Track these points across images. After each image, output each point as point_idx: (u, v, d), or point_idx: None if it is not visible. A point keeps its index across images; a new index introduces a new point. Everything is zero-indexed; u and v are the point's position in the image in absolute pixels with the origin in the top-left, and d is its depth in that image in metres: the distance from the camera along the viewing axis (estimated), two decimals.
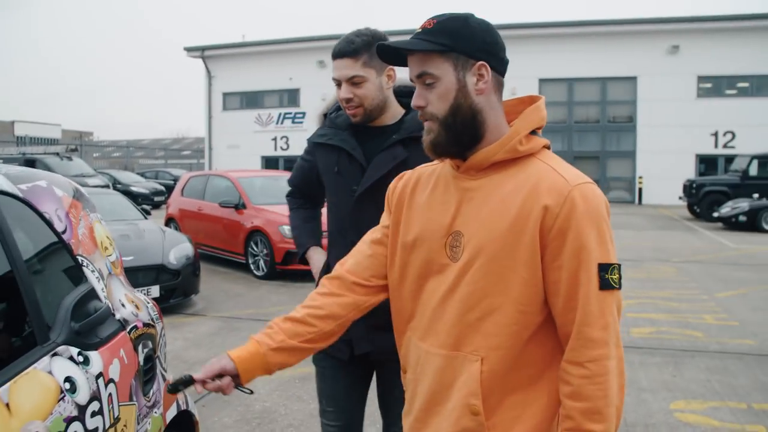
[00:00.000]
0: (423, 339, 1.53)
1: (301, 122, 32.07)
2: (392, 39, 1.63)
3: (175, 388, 1.52)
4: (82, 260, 2.08)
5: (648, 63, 27.48)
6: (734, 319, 6.97)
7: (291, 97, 32.98)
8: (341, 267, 1.67)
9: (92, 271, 2.12)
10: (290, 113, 32.73)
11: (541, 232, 1.38)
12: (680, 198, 21.10)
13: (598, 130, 29.42)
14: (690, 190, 19.84)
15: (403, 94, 2.29)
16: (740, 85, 27.54)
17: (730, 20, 27.13)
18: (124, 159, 41.30)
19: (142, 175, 29.25)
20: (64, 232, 2.03)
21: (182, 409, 2.59)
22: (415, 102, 1.49)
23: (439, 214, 1.51)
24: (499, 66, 1.48)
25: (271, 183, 10.92)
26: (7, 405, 1.51)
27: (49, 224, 1.97)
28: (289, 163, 32.07)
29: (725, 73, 27.13)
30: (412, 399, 1.60)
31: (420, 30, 1.46)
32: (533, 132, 1.48)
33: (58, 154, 18.06)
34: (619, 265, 1.40)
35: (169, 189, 23.50)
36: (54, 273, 2.01)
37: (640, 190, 27.87)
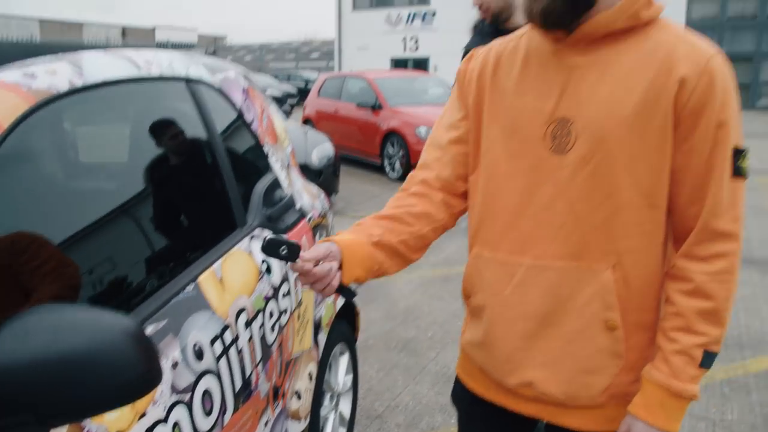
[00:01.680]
0: (518, 251, 1.30)
1: (431, 22, 31.34)
2: None
3: (271, 247, 1.16)
4: (267, 150, 2.16)
5: None
6: None
7: None
8: (421, 173, 1.43)
9: (276, 161, 2.20)
10: (420, 12, 32.02)
11: (675, 110, 1.19)
12: None
13: (754, 28, 26.72)
14: None
15: None
16: None
17: None
18: (256, 62, 42.37)
19: (275, 77, 29.92)
20: (251, 122, 2.11)
21: (348, 299, 2.71)
22: None
23: (537, 99, 1.28)
24: None
25: (407, 84, 10.85)
26: (221, 280, 1.62)
27: (240, 114, 2.05)
28: (417, 64, 31.69)
29: None
30: (498, 323, 1.35)
31: None
32: None
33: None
34: (747, 152, 1.24)
35: (301, 92, 24.00)
36: (247, 161, 2.10)
37: None
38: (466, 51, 2.72)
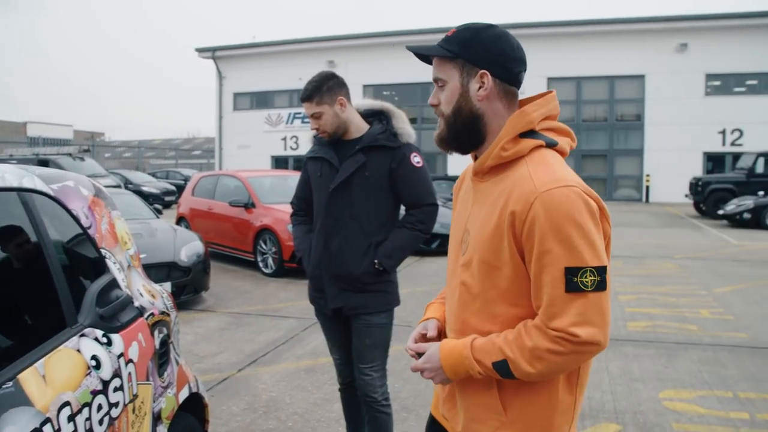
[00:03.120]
0: (448, 327, 1.73)
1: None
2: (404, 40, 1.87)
3: None
4: (105, 253, 2.31)
5: (656, 61, 27.54)
6: (730, 314, 7.14)
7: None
8: None
9: (114, 263, 2.35)
10: (300, 113, 33.00)
11: (513, 236, 1.48)
12: (686, 196, 21.21)
13: (606, 129, 29.50)
14: (696, 188, 19.94)
15: (369, 115, 3.09)
16: (749, 82, 27.57)
17: (739, 18, 27.12)
18: (135, 159, 41.63)
19: (153, 175, 29.50)
20: (89, 227, 2.27)
21: (193, 391, 2.82)
22: (430, 100, 1.66)
23: (461, 213, 1.72)
24: (505, 75, 1.58)
25: (280, 182, 11.16)
26: (44, 377, 1.73)
27: (76, 220, 2.21)
28: (298, 162, 32.35)
29: (733, 71, 27.18)
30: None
31: (444, 37, 1.63)
32: (530, 133, 1.57)
33: (70, 154, 18.29)
34: (599, 268, 1.43)
35: (180, 189, 23.77)
36: (81, 264, 2.24)
37: (647, 188, 27.96)
38: (307, 158, 3.19)
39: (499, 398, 1.57)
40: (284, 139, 33.45)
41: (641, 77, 28.16)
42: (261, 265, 9.84)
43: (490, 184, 1.60)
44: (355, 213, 2.97)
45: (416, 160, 3.03)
